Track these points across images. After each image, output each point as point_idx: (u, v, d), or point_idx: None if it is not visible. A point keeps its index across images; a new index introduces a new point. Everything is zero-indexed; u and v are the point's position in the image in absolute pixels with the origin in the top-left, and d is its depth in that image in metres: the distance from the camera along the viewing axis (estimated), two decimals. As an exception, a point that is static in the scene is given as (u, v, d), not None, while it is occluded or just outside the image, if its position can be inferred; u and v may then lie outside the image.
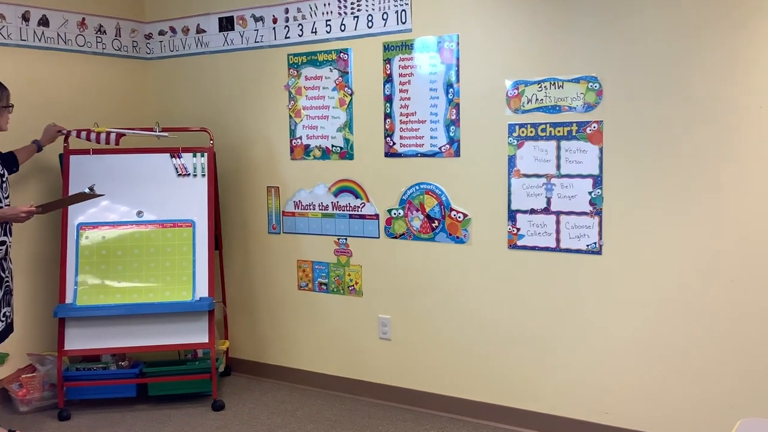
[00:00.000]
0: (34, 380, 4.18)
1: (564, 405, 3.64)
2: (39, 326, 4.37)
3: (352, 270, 4.25)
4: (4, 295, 3.58)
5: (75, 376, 4.13)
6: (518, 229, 3.67)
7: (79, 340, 4.08)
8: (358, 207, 4.19)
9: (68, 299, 4.10)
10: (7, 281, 3.61)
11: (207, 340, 4.14)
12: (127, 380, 4.17)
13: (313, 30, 4.25)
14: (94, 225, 4.24)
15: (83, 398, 4.15)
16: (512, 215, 3.69)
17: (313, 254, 4.40)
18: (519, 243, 3.68)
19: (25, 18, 4.28)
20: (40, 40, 4.36)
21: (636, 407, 3.45)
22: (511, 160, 3.66)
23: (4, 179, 3.62)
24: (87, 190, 3.69)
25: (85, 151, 4.30)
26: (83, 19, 4.58)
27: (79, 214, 4.21)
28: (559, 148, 3.53)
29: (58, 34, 4.45)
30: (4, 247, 3.56)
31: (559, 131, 3.52)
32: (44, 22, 4.37)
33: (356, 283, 4.24)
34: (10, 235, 3.64)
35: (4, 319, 3.59)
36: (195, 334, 4.16)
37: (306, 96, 4.33)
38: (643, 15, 3.28)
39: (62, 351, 4.05)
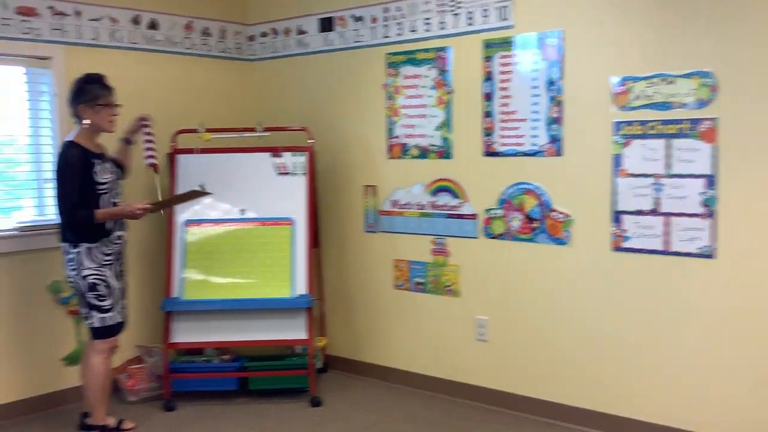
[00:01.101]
0: (142, 371, 4.35)
1: (669, 416, 3.48)
2: (147, 319, 4.55)
3: (450, 270, 4.21)
4: (122, 289, 3.74)
5: (180, 368, 4.27)
6: (624, 231, 3.54)
7: (184, 333, 4.22)
8: (456, 206, 4.15)
9: (175, 293, 4.24)
10: (123, 275, 3.77)
11: (305, 337, 4.20)
12: (229, 374, 4.28)
13: (412, 29, 4.23)
14: (200, 222, 4.37)
15: (187, 390, 4.28)
16: (617, 216, 3.56)
17: (410, 253, 4.38)
18: (624, 245, 3.55)
19: (136, 21, 4.46)
20: (149, 43, 4.53)
21: (756, 427, 3.27)
22: (617, 159, 3.53)
23: (117, 180, 3.75)
24: (198, 188, 3.82)
25: (191, 150, 4.44)
26: (190, 22, 4.73)
27: (185, 212, 4.35)
28: (668, 146, 3.38)
29: (166, 37, 4.62)
30: (121, 242, 3.71)
31: (669, 129, 3.37)
32: (153, 25, 4.54)
33: (453, 284, 4.20)
34: (126, 231, 3.79)
35: (122, 310, 3.74)
36: (294, 330, 4.22)
37: (404, 95, 4.32)
38: (766, 8, 3.09)
39: (168, 344, 4.20)
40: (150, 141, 3.82)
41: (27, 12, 3.98)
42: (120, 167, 3.83)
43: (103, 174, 3.60)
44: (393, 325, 4.52)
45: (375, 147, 4.49)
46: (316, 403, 4.18)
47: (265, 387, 4.30)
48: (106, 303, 3.61)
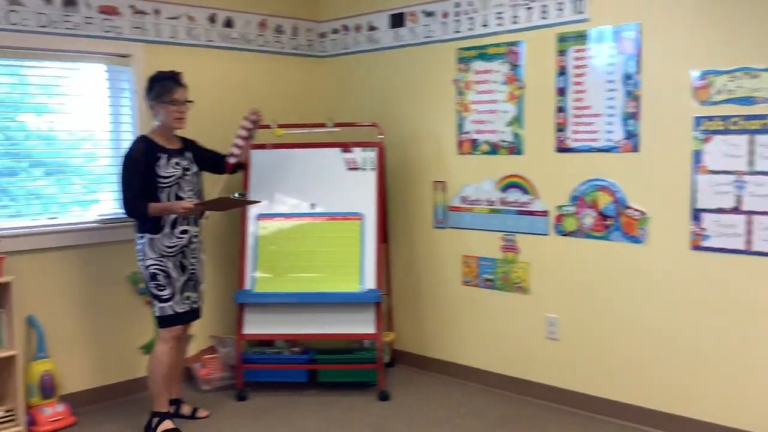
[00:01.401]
0: (215, 361, 4.46)
1: (745, 421, 3.37)
2: (221, 310, 4.65)
3: (519, 267, 4.17)
4: (188, 281, 3.78)
5: (252, 359, 4.35)
6: (703, 230, 3.44)
7: (256, 324, 4.30)
8: (527, 203, 4.11)
9: (247, 286, 4.33)
10: (193, 269, 3.81)
11: (374, 331, 4.23)
12: (299, 365, 4.35)
13: (484, 23, 4.20)
14: (271, 216, 4.44)
15: (258, 380, 4.37)
16: (696, 214, 3.46)
17: (478, 250, 4.36)
18: (703, 244, 3.44)
19: (212, 20, 4.56)
20: (224, 41, 4.63)
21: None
22: (697, 156, 3.43)
23: (189, 173, 3.78)
24: (236, 195, 3.93)
25: (264, 146, 4.52)
26: (264, 20, 4.81)
27: (258, 206, 4.43)
28: (752, 142, 3.26)
29: (241, 35, 4.71)
30: (186, 236, 3.74)
31: (752, 125, 3.26)
32: (229, 23, 4.64)
33: (523, 281, 4.16)
34: (195, 226, 3.83)
35: (187, 302, 3.80)
36: (362, 324, 4.25)
37: (475, 90, 4.30)
38: None
39: (241, 334, 4.29)
40: (242, 137, 3.98)
41: (109, 11, 4.12)
42: (212, 164, 3.97)
43: (167, 168, 3.66)
44: (461, 321, 4.51)
45: (445, 143, 4.48)
46: (384, 397, 4.20)
47: (334, 380, 4.35)
48: (165, 293, 3.68)
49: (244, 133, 4.00)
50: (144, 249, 3.67)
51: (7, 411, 3.60)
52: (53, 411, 3.82)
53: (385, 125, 4.63)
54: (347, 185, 4.46)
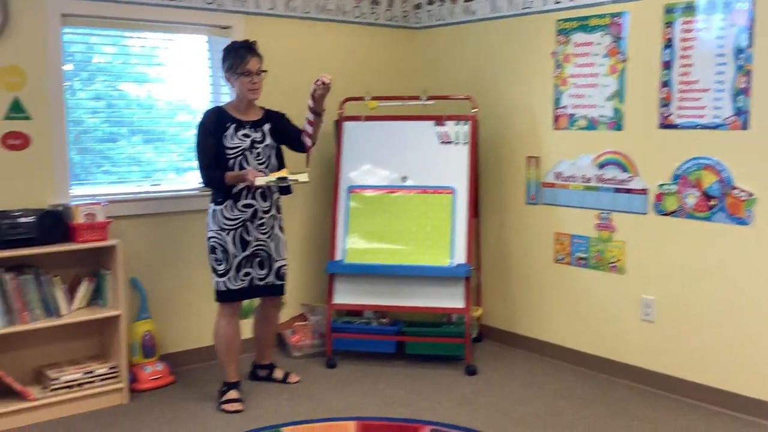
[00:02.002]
0: (306, 328, 4.56)
1: None
2: (312, 279, 4.75)
3: (615, 246, 4.07)
4: (251, 257, 3.70)
5: (341, 328, 4.43)
6: (817, 213, 3.26)
7: (345, 294, 4.36)
8: (625, 181, 3.98)
9: (338, 256, 4.39)
10: (259, 245, 3.72)
11: (463, 306, 4.22)
12: (387, 336, 4.39)
13: (586, -6, 4.08)
14: (363, 188, 4.48)
15: (347, 349, 4.44)
16: (810, 196, 3.28)
17: (572, 227, 4.27)
18: (816, 228, 3.26)
19: (309, -8, 4.60)
20: (321, 12, 4.66)
21: None
22: (813, 135, 3.24)
23: (259, 145, 3.68)
24: (289, 176, 3.65)
25: (357, 118, 4.54)
26: (360, -9, 4.82)
27: (349, 178, 4.48)
28: None
29: (337, 6, 4.73)
30: (249, 210, 3.65)
31: None
32: (325, -5, 4.67)
33: (618, 260, 4.05)
34: (264, 201, 3.71)
35: (245, 279, 3.71)
36: (451, 298, 4.25)
37: (574, 63, 4.18)
38: None
39: (331, 304, 4.36)
40: (311, 110, 3.78)
41: (211, -17, 4.21)
42: (289, 137, 3.82)
43: (233, 140, 3.61)
44: (551, 299, 4.44)
45: (540, 117, 4.39)
46: (471, 371, 4.20)
47: (421, 352, 4.38)
48: (221, 268, 3.66)
49: (310, 103, 3.73)
50: (208, 220, 3.69)
51: (111, 368, 3.79)
52: (153, 369, 4.01)
53: (479, 99, 4.57)
54: (439, 159, 4.44)
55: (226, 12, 4.28)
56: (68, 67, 3.93)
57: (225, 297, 3.71)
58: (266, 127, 3.74)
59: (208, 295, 4.34)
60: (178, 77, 4.30)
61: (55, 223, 3.65)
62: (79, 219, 3.67)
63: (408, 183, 4.45)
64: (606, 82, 4.03)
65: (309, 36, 4.64)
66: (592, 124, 4.12)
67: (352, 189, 4.49)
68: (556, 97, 4.29)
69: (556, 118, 4.30)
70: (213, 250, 3.66)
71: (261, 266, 3.75)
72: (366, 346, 4.43)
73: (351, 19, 4.80)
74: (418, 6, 5.08)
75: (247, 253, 3.69)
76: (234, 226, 3.64)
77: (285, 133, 3.84)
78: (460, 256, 4.27)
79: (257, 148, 3.68)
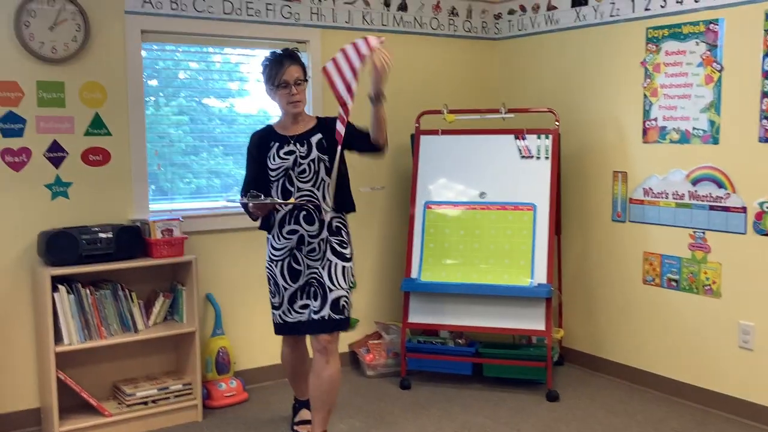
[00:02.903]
0: (380, 347, 4.45)
1: None
2: (386, 297, 4.65)
3: (710, 268, 3.80)
4: (305, 288, 3.27)
5: (416, 348, 4.30)
6: None
7: (421, 313, 4.24)
8: (722, 198, 3.72)
9: (413, 274, 4.27)
10: (312, 275, 3.26)
11: (543, 328, 4.03)
12: (463, 358, 4.23)
13: None
14: (439, 204, 4.35)
15: (422, 369, 4.31)
16: None
17: (662, 247, 4.02)
18: None
19: (387, 4, 4.51)
20: (398, 25, 4.57)
21: None
22: None
23: (304, 161, 3.21)
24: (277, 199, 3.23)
25: (434, 132, 4.42)
26: (438, 2, 4.70)
27: (425, 193, 4.36)
28: None
29: (415, 18, 4.63)
30: (294, 237, 3.24)
31: None
32: (403, 7, 4.58)
33: (714, 283, 3.79)
34: (310, 224, 3.23)
35: (303, 312, 3.28)
36: (531, 320, 4.07)
37: (665, 73, 3.95)
38: None
39: (406, 323, 4.24)
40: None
41: (288, -3, 4.18)
42: (352, 141, 3.24)
43: (275, 159, 3.22)
44: (640, 322, 4.19)
45: (628, 130, 4.17)
46: (552, 397, 4.00)
47: (500, 375, 4.20)
48: (274, 300, 3.35)
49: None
50: (266, 249, 3.39)
51: (185, 384, 3.77)
52: (227, 386, 3.97)
53: (562, 111, 4.38)
54: (520, 174, 4.27)
55: (303, 26, 4.25)
56: (153, 82, 3.98)
57: (280, 330, 3.39)
58: (315, 138, 3.25)
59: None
60: (258, 91, 4.29)
61: (132, 239, 3.67)
62: (157, 234, 3.67)
63: (486, 199, 4.29)
64: (700, 93, 3.78)
65: (387, 49, 4.53)
66: (684, 138, 3.87)
67: (428, 205, 4.36)
68: (645, 108, 4.06)
69: (646, 131, 4.07)
70: (268, 281, 3.38)
71: (315, 297, 3.26)
72: (441, 367, 4.29)
73: (429, 30, 4.70)
74: (498, 16, 4.94)
75: (300, 283, 3.28)
76: (281, 257, 3.27)
77: (353, 138, 3.25)
78: (541, 276, 4.08)
79: (301, 164, 3.22)
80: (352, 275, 3.36)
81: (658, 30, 3.96)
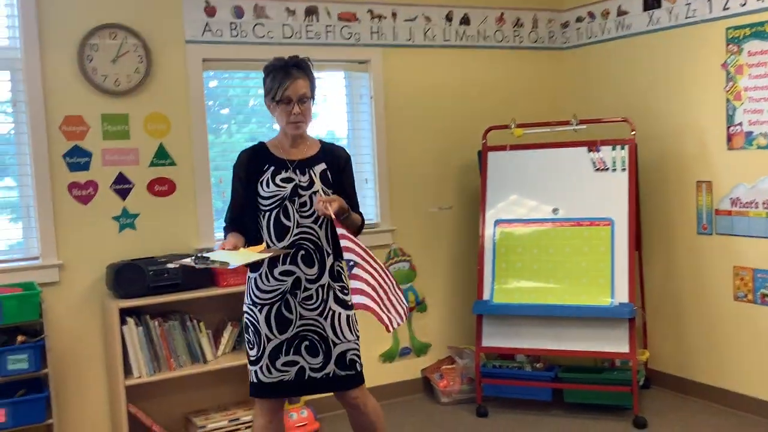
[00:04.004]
0: (454, 372, 4.29)
1: None
2: (457, 320, 4.49)
3: (809, 282, 3.52)
4: (294, 341, 2.73)
5: (491, 373, 4.12)
6: None
7: (495, 337, 4.07)
8: (819, 206, 3.44)
9: (485, 296, 4.10)
10: (307, 325, 2.74)
11: (627, 350, 3.80)
12: (542, 383, 4.03)
13: (761, -5, 3.60)
14: (511, 222, 4.18)
15: (498, 395, 4.13)
16: None
17: (754, 260, 3.75)
18: None
19: (449, 18, 4.39)
20: (461, 39, 4.45)
21: None
22: None
23: (305, 192, 2.72)
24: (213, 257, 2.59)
25: (502, 147, 4.26)
26: (501, 14, 4.56)
27: (495, 211, 4.19)
28: None
29: (478, 32, 4.50)
30: (289, 279, 2.71)
31: None
32: (466, 20, 4.45)
33: (814, 298, 3.50)
34: (310, 266, 2.72)
35: (285, 370, 2.73)
36: (613, 341, 3.84)
37: (749, 75, 3.70)
38: None
39: (480, 347, 4.08)
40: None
41: (348, 17, 4.11)
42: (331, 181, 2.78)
43: (269, 186, 2.72)
44: (731, 341, 3.91)
45: (710, 137, 3.92)
46: (640, 424, 3.75)
47: (582, 401, 3.98)
48: (252, 353, 2.77)
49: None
50: (246, 289, 2.83)
51: (231, 420, 3.69)
52: (298, 416, 3.88)
53: (638, 120, 4.15)
54: (594, 188, 4.06)
55: (364, 46, 4.17)
56: (225, 111, 4.00)
57: (256, 391, 2.79)
58: (318, 168, 2.77)
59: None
60: (324, 112, 4.25)
61: (198, 270, 3.62)
62: (222, 263, 3.62)
63: (560, 215, 4.10)
64: (790, 94, 3.52)
65: (450, 65, 4.43)
66: (774, 143, 3.61)
67: (498, 223, 4.20)
68: (729, 113, 3.81)
69: (730, 137, 3.82)
70: (246, 328, 2.80)
71: (312, 353, 2.75)
72: (519, 393, 4.09)
73: (493, 43, 4.55)
74: (565, 24, 4.75)
75: (288, 335, 2.73)
76: (269, 300, 2.72)
77: (341, 192, 2.79)
78: (622, 294, 3.85)
79: (302, 195, 2.72)
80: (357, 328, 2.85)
81: (739, 30, 3.72)
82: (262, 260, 2.63)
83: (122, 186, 3.64)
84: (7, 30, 3.45)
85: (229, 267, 2.53)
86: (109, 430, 3.63)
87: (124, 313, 3.44)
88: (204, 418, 3.66)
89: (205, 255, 2.53)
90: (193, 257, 2.55)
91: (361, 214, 2.87)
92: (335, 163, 2.80)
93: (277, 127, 2.86)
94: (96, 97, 3.55)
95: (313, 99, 2.78)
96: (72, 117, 3.51)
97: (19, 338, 3.21)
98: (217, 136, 4.00)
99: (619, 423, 3.81)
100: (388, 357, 4.27)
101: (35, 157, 3.45)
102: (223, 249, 2.60)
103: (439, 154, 4.43)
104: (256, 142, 2.86)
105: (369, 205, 4.25)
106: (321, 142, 2.87)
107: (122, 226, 3.64)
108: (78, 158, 3.54)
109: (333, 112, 4.27)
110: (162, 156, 3.71)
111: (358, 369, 2.80)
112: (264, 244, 2.70)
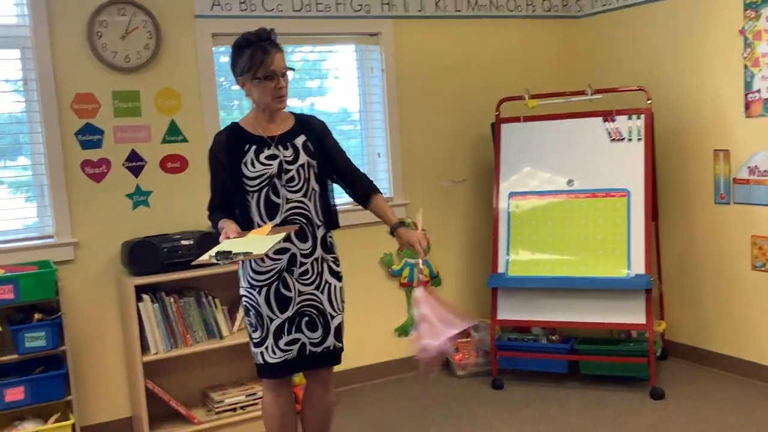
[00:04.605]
0: (469, 345, 4.29)
1: None
2: (472, 293, 4.48)
3: (829, 250, 3.47)
4: (295, 319, 2.72)
5: (506, 346, 4.12)
6: None
7: (510, 310, 4.06)
8: (840, 173, 3.39)
9: (500, 269, 4.09)
10: (306, 301, 2.73)
11: (644, 321, 3.77)
12: (558, 355, 4.02)
13: (781, -42, 3.52)
14: (525, 194, 4.14)
15: (514, 368, 4.12)
16: None
17: (773, 229, 3.71)
18: None
19: (460, -12, 4.34)
20: (473, 9, 4.39)
21: None
22: None
23: (291, 167, 2.68)
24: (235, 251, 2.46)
25: (516, 119, 4.21)
26: (514, -18, 4.49)
27: (509, 184, 4.16)
28: None
29: (490, 1, 4.43)
30: (284, 257, 2.68)
31: None
32: (477, -10, 4.39)
33: (835, 267, 3.45)
34: (303, 241, 2.71)
35: (290, 348, 2.73)
36: (629, 313, 3.82)
37: (767, 40, 3.62)
38: None
39: (495, 320, 4.07)
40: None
41: (358, -11, 4.07)
42: (317, 155, 2.75)
43: (255, 165, 2.66)
44: (750, 311, 3.88)
45: (728, 104, 3.85)
46: (657, 395, 3.74)
47: (598, 373, 3.97)
48: (255, 335, 2.75)
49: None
50: (240, 272, 2.79)
51: (248, 395, 3.70)
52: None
53: (654, 89, 4.08)
54: (610, 158, 4.01)
55: (375, 18, 4.12)
56: (236, 87, 3.89)
57: (263, 373, 2.79)
58: (299, 140, 2.74)
59: (366, 312, 4.18)
60: (336, 87, 4.22)
61: (213, 244, 3.60)
62: (236, 239, 3.62)
63: (575, 187, 4.06)
64: (810, 59, 3.45)
65: (461, 35, 4.38)
66: (793, 109, 3.55)
67: (513, 195, 4.16)
68: (746, 80, 3.74)
69: (748, 105, 3.75)
70: (246, 311, 2.78)
71: (312, 327, 2.76)
72: (535, 365, 4.09)
73: (505, 13, 4.48)
74: (578, -8, 4.68)
75: (289, 314, 2.72)
76: (266, 282, 2.70)
77: (329, 158, 2.81)
78: (639, 266, 3.82)
79: (289, 171, 2.69)
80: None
81: (758, -7, 3.65)
82: (281, 240, 2.54)
83: (135, 163, 3.64)
84: (15, 8, 3.44)
85: (255, 256, 2.44)
86: (128, 406, 3.67)
87: (140, 290, 3.45)
88: (221, 393, 3.68)
89: (224, 250, 2.45)
90: (213, 255, 2.45)
91: (369, 180, 2.90)
92: (312, 132, 2.77)
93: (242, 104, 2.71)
94: (106, 74, 3.53)
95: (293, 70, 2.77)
96: (83, 94, 3.50)
97: (36, 316, 3.24)
98: (229, 113, 3.97)
99: (636, 394, 3.80)
100: (403, 331, 4.27)
101: (47, 135, 3.45)
102: (228, 238, 2.54)
103: (451, 127, 4.39)
104: (228, 125, 2.79)
105: (382, 179, 4.23)
106: (293, 114, 2.83)
107: (136, 203, 3.65)
108: (90, 136, 3.53)
109: (344, 86, 4.23)
110: (174, 132, 3.70)
111: (343, 342, 2.85)
112: (270, 224, 2.64)
